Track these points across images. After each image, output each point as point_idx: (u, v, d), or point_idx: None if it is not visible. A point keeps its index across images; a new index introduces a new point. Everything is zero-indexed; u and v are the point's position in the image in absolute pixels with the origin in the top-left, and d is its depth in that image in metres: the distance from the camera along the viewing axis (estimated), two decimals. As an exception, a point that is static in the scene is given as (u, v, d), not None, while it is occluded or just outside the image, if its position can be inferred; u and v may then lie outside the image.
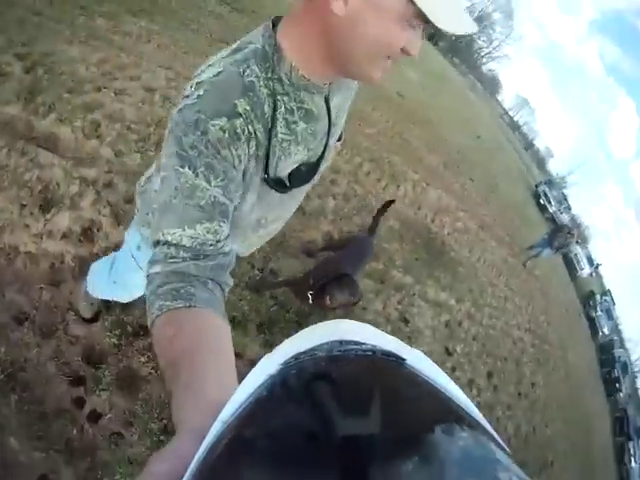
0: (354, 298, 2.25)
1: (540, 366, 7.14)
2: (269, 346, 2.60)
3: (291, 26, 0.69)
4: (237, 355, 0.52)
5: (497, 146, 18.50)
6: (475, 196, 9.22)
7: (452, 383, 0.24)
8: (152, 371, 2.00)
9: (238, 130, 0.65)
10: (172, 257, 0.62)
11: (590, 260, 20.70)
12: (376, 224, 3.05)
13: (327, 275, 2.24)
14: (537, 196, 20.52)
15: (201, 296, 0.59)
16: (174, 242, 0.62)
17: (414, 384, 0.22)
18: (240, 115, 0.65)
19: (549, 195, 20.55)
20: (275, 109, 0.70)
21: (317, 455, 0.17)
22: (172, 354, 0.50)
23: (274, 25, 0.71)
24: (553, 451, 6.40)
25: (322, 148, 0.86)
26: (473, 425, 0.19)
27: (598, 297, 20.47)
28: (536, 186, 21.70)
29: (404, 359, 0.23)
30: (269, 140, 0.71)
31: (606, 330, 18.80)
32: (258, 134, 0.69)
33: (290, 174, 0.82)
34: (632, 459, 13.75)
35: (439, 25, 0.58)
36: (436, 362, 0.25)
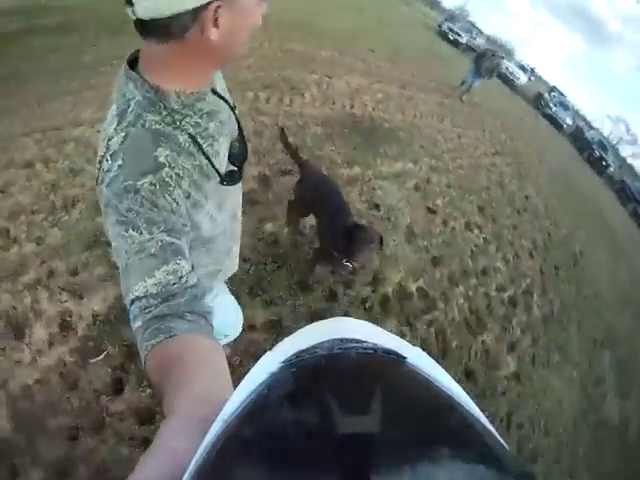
0: (375, 241, 2.26)
1: (524, 179, 7.20)
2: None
3: (161, 70, 0.71)
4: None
5: (384, 12, 17.61)
6: (383, 64, 8.84)
7: (452, 381, 0.24)
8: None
9: (166, 179, 0.69)
10: (145, 308, 0.63)
11: (522, 67, 20.51)
12: (295, 153, 2.72)
13: (337, 237, 2.27)
14: (444, 35, 19.90)
15: (180, 327, 0.61)
16: (142, 295, 0.63)
17: (415, 382, 0.22)
18: (164, 164, 0.69)
19: (455, 29, 19.91)
20: (188, 134, 0.75)
21: (318, 453, 0.17)
22: (162, 372, 0.52)
23: (132, 68, 0.73)
24: (576, 242, 6.61)
25: (235, 123, 0.94)
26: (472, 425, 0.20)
27: (546, 95, 20.46)
28: (439, 26, 20.97)
29: (405, 357, 0.23)
30: (204, 155, 0.78)
31: (568, 120, 18.98)
32: (188, 166, 0.74)
33: (230, 159, 0.90)
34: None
35: None
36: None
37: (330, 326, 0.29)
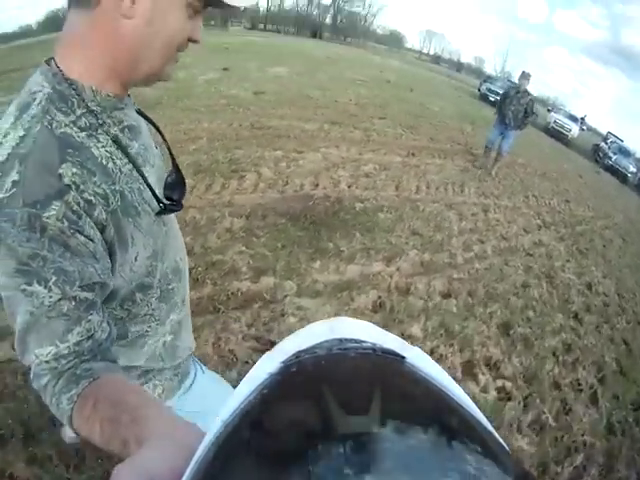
0: None
1: (585, 256, 5.10)
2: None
3: (75, 52, 0.60)
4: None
5: (417, 83, 16.75)
6: (393, 131, 7.50)
7: (452, 381, 0.24)
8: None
9: (75, 207, 0.55)
10: (55, 368, 0.55)
11: (572, 117, 18.24)
12: None
13: None
14: (484, 97, 18.56)
15: (99, 366, 0.57)
16: (52, 358, 0.55)
17: (414, 382, 0.22)
18: (70, 187, 0.55)
19: (494, 88, 18.61)
20: (105, 146, 0.62)
21: (318, 454, 0.17)
22: (103, 415, 0.49)
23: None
24: None
25: (160, 158, 0.81)
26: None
27: (603, 144, 17.67)
28: (478, 90, 19.77)
29: (404, 357, 0.23)
30: (136, 170, 0.67)
31: (632, 168, 15.66)
32: (103, 191, 0.59)
33: (165, 192, 0.77)
34: None
35: (227, 1, 0.62)
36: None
37: (329, 326, 0.28)
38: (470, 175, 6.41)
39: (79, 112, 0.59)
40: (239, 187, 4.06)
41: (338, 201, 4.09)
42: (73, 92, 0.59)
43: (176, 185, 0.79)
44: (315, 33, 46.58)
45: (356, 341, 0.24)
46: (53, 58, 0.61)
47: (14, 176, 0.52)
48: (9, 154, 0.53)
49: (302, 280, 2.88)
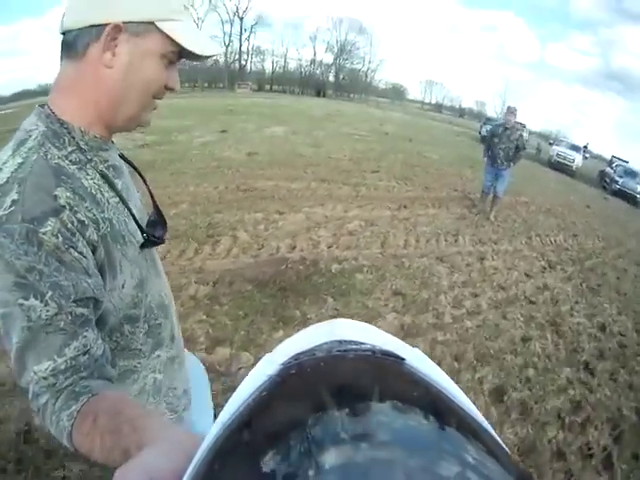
0: None
1: (596, 293, 4.68)
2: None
3: (66, 97, 0.68)
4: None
5: (417, 133, 16.95)
6: (385, 184, 7.42)
7: (452, 383, 0.24)
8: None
9: (69, 225, 0.59)
10: (54, 385, 0.57)
11: (574, 147, 18.11)
12: None
13: None
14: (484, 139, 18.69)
15: (97, 384, 0.59)
16: (50, 374, 0.57)
17: (414, 383, 0.22)
18: (64, 207, 0.59)
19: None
20: (93, 179, 0.67)
21: (317, 455, 0.17)
22: (103, 428, 0.50)
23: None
24: None
25: (139, 201, 0.85)
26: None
27: (608, 169, 17.31)
28: (479, 133, 19.92)
29: (403, 358, 0.23)
30: (122, 203, 0.72)
31: None
32: (93, 215, 0.64)
33: (147, 228, 0.79)
34: None
35: (197, 51, 0.69)
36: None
37: (329, 328, 0.29)
38: (467, 222, 6.17)
39: (70, 148, 0.65)
40: (212, 252, 3.93)
41: (314, 263, 3.89)
42: (65, 131, 0.65)
43: (157, 224, 0.84)
44: (319, 91, 48.45)
45: (355, 343, 0.24)
46: (46, 103, 0.68)
47: (13, 196, 0.56)
48: (8, 178, 0.58)
49: (260, 351, 2.64)
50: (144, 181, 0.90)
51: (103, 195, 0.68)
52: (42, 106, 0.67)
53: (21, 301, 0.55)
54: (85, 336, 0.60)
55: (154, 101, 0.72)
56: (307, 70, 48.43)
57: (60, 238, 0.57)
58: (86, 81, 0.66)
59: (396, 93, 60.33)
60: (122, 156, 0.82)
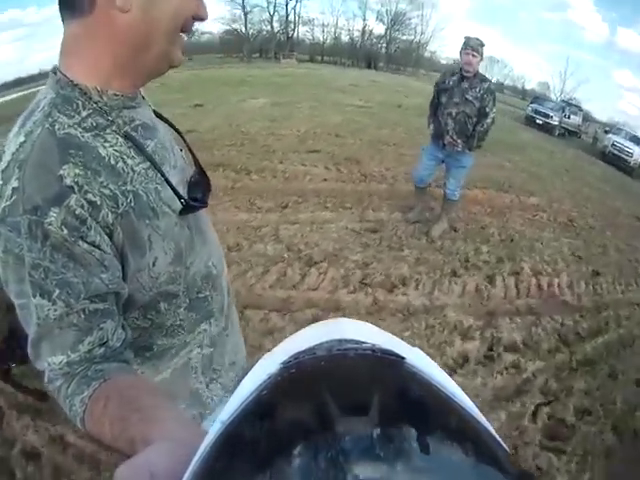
0: None
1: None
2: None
3: (77, 58, 0.59)
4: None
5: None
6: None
7: (452, 381, 0.24)
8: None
9: (77, 211, 0.53)
10: (67, 373, 0.57)
11: (636, 139, 14.29)
12: None
13: None
14: (531, 120, 15.82)
15: (111, 367, 0.58)
16: (64, 365, 0.57)
17: (414, 382, 0.21)
18: (71, 188, 0.52)
19: (543, 110, 15.82)
20: (113, 145, 0.59)
21: (317, 455, 0.17)
22: (112, 414, 0.49)
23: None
24: None
25: (183, 159, 0.79)
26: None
27: None
28: (527, 112, 16.91)
29: (404, 357, 0.23)
30: (153, 169, 0.64)
31: None
32: (110, 191, 0.57)
33: (190, 191, 0.74)
34: None
35: None
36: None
37: (329, 327, 0.29)
38: (377, 247, 3.69)
39: (84, 113, 0.58)
40: None
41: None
42: (77, 94, 0.58)
43: (200, 185, 0.76)
44: (369, 63, 46.02)
45: (355, 342, 0.24)
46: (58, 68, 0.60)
47: (14, 183, 0.51)
48: (9, 161, 0.53)
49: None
50: (183, 140, 0.82)
51: (126, 163, 0.60)
52: (55, 72, 0.59)
53: (31, 298, 0.53)
54: (102, 328, 0.58)
55: (182, 36, 0.63)
56: (358, 41, 45.69)
57: (66, 230, 0.52)
58: (98, 36, 0.57)
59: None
60: (157, 114, 0.74)
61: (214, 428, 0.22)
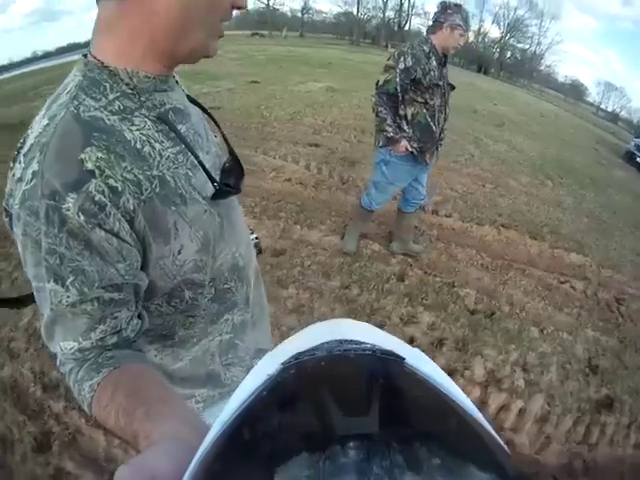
0: None
1: None
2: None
3: (109, 39, 0.57)
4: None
5: (531, 120, 13.26)
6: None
7: (452, 382, 0.24)
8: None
9: (97, 197, 0.51)
10: (78, 358, 0.57)
11: None
12: None
13: None
14: (630, 157, 14.01)
15: (122, 355, 0.57)
16: (76, 351, 0.56)
17: (414, 383, 0.21)
18: (92, 173, 0.51)
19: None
20: (141, 129, 0.58)
21: (317, 455, 0.17)
22: (118, 405, 0.48)
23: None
24: None
25: (212, 146, 0.76)
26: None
27: None
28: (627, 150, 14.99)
29: (403, 358, 0.22)
30: (184, 152, 0.63)
31: None
32: (134, 176, 0.55)
33: (222, 176, 0.72)
34: None
35: None
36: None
37: (329, 327, 0.28)
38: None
39: (112, 96, 0.56)
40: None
41: None
42: (106, 76, 0.57)
43: (233, 171, 0.75)
44: (480, 67, 43.85)
45: (356, 342, 0.24)
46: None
47: (34, 166, 0.50)
48: (32, 144, 0.52)
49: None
50: (217, 125, 0.81)
51: (153, 147, 0.59)
52: (85, 55, 0.59)
53: (45, 282, 0.53)
54: (115, 317, 0.57)
55: (221, 25, 0.62)
56: (472, 42, 43.57)
57: (83, 217, 0.50)
58: (134, 17, 0.55)
59: (573, 90, 51.12)
60: (191, 99, 0.73)
61: (214, 428, 0.22)
